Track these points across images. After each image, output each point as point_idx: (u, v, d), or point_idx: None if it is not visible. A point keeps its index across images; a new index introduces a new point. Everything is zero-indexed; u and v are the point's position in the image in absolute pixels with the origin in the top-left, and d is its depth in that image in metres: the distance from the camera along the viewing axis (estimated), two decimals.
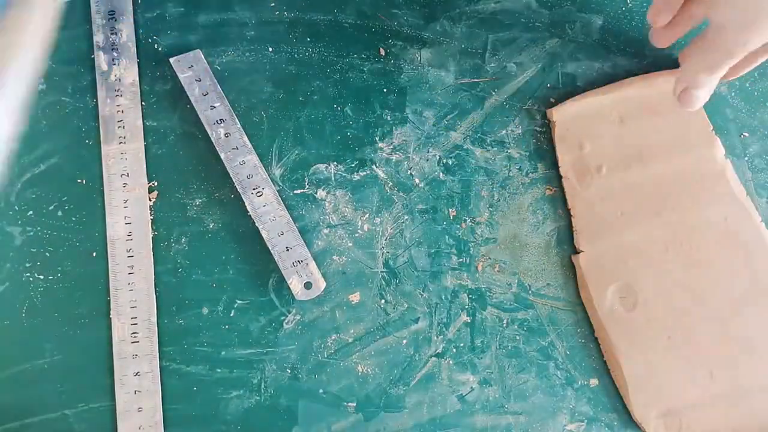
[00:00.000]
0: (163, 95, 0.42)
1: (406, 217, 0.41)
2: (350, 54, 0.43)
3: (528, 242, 0.41)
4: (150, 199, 0.41)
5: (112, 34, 0.41)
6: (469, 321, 0.40)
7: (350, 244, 0.41)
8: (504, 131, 0.42)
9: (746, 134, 0.43)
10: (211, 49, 0.43)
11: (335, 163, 0.42)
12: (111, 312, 0.39)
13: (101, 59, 0.41)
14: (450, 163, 0.42)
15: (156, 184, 0.41)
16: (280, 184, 0.41)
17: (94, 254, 0.40)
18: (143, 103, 0.42)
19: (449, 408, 0.39)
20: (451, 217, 0.41)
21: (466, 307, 0.40)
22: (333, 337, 0.40)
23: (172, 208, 0.41)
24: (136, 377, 0.38)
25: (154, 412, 0.37)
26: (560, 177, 0.42)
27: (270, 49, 0.43)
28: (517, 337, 0.40)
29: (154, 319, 0.39)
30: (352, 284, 0.40)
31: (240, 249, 0.40)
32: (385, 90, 0.43)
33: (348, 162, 0.42)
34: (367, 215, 0.41)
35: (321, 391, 0.39)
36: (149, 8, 0.43)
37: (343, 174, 0.42)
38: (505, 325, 0.40)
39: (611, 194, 0.41)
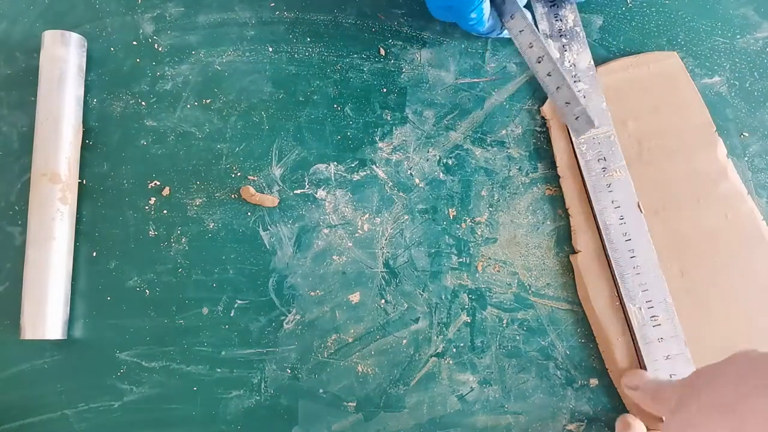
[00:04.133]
0: (163, 95, 0.42)
1: (406, 217, 0.41)
2: (350, 54, 0.43)
3: (528, 242, 0.41)
4: (163, 195, 0.41)
5: (556, 21, 0.41)
6: (469, 321, 0.40)
7: (350, 244, 0.41)
8: (504, 131, 0.42)
9: (746, 134, 0.43)
10: (211, 49, 0.43)
11: (335, 163, 0.42)
12: (624, 298, 0.38)
13: (552, 47, 0.41)
14: (450, 163, 0.42)
15: (159, 183, 0.41)
16: (280, 184, 0.41)
17: (94, 254, 0.40)
18: (143, 103, 0.42)
19: (449, 408, 0.39)
20: (451, 217, 0.41)
21: (466, 307, 0.40)
22: (333, 337, 0.40)
23: (172, 208, 0.41)
24: (667, 361, 0.37)
25: None
26: (559, 177, 0.42)
27: (270, 49, 0.43)
28: (517, 337, 0.40)
29: (670, 299, 0.38)
30: (352, 284, 0.40)
31: (240, 249, 0.40)
32: (385, 90, 0.43)
33: (348, 162, 0.42)
34: (367, 215, 0.41)
35: (321, 391, 0.39)
36: (149, 8, 0.43)
37: (343, 174, 0.42)
38: (505, 325, 0.40)
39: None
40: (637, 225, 0.39)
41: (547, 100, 0.42)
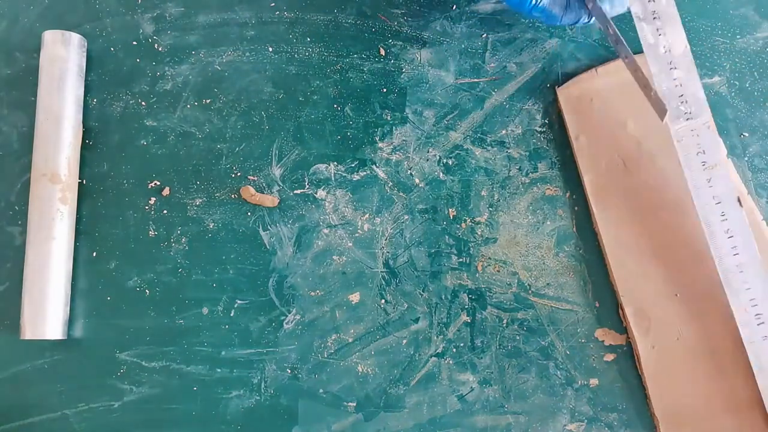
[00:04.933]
0: (163, 95, 0.42)
1: (406, 217, 0.41)
2: (350, 54, 0.43)
3: (528, 242, 0.41)
4: (163, 195, 0.41)
5: (650, 1, 0.37)
6: (469, 321, 0.40)
7: (350, 244, 0.41)
8: (504, 131, 0.42)
9: (746, 134, 0.43)
10: (211, 49, 0.43)
11: (335, 163, 0.42)
12: (728, 297, 0.37)
13: (645, 31, 0.37)
14: (450, 163, 0.42)
15: (159, 183, 0.41)
16: (280, 184, 0.41)
17: (94, 254, 0.40)
18: (143, 103, 0.42)
19: (449, 408, 0.39)
20: (451, 217, 0.41)
21: (466, 307, 0.40)
22: (333, 337, 0.40)
23: (172, 208, 0.41)
24: None
25: None
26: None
27: (270, 49, 0.43)
28: (517, 337, 0.40)
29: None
30: (352, 284, 0.40)
31: (240, 249, 0.40)
32: (385, 90, 0.43)
33: (348, 162, 0.42)
34: (367, 215, 0.41)
35: (321, 391, 0.39)
36: (149, 8, 0.43)
37: (343, 174, 0.42)
38: (505, 325, 0.40)
39: (609, 194, 0.41)
40: (739, 221, 0.37)
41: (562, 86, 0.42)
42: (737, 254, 0.37)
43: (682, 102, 0.37)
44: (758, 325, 0.36)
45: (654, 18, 0.37)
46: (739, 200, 0.37)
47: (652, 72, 0.37)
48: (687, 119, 0.37)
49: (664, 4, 0.37)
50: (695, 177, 0.37)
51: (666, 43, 0.37)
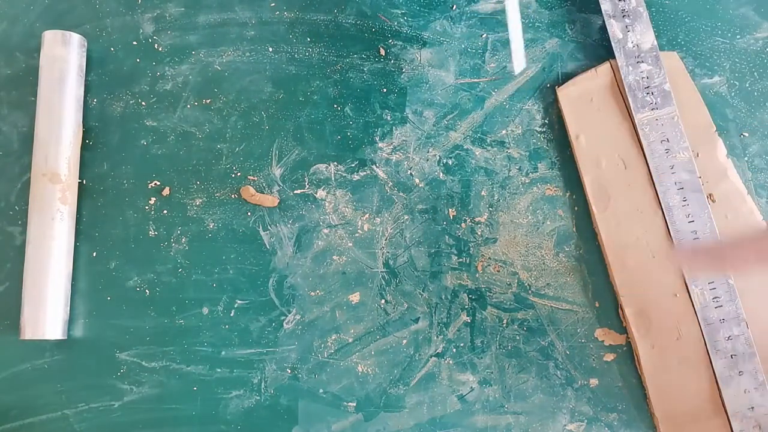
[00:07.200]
0: (163, 95, 0.42)
1: (406, 217, 0.41)
2: (350, 54, 0.43)
3: (528, 242, 0.41)
4: (163, 195, 0.41)
5: (620, 0, 0.40)
6: (469, 321, 0.40)
7: (350, 244, 0.41)
8: (504, 131, 0.42)
9: (746, 134, 0.43)
10: (211, 49, 0.43)
11: (335, 163, 0.42)
12: (686, 279, 0.38)
13: (614, 27, 0.40)
14: (450, 163, 0.42)
15: (159, 183, 0.41)
16: (280, 184, 0.41)
17: (94, 254, 0.40)
18: (143, 103, 0.42)
19: (449, 408, 0.39)
20: (451, 217, 0.41)
21: (466, 307, 0.40)
22: (333, 337, 0.40)
23: (172, 208, 0.41)
24: (728, 341, 0.38)
25: (756, 373, 0.37)
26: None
27: (270, 49, 0.43)
28: (517, 337, 0.40)
29: (732, 280, 0.38)
30: (352, 284, 0.40)
31: (240, 249, 0.40)
32: (385, 90, 0.43)
33: (348, 162, 0.42)
34: (367, 215, 0.41)
35: (321, 391, 0.39)
36: (149, 8, 0.43)
37: (343, 174, 0.42)
38: (505, 325, 0.40)
39: (609, 194, 0.40)
40: (700, 206, 0.39)
41: (565, 84, 0.42)
42: (697, 238, 0.39)
43: (648, 93, 0.40)
44: (716, 308, 0.38)
45: (623, 16, 0.41)
46: (710, 197, 0.39)
47: (619, 64, 0.41)
48: (652, 109, 0.40)
49: (634, 4, 0.41)
50: (657, 163, 0.39)
51: (635, 39, 0.40)
